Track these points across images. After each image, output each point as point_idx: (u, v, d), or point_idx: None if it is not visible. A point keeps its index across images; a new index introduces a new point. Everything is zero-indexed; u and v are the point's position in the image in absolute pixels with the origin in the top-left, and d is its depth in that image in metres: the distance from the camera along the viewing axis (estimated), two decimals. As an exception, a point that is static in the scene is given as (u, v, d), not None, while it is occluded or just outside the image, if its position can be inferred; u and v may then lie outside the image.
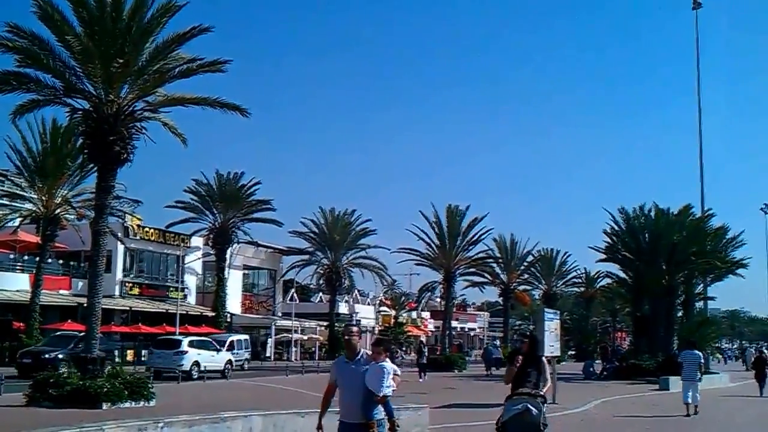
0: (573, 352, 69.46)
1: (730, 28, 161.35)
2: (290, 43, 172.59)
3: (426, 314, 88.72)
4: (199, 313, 51.25)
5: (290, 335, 58.92)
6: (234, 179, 52.97)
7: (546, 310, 26.36)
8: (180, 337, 37.00)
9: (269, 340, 58.78)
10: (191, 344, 35.11)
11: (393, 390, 7.49)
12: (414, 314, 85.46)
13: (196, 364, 33.92)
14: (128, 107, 21.91)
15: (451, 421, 17.78)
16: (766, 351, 43.62)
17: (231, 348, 39.59)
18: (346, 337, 7.63)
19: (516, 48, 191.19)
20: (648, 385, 32.64)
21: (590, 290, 71.72)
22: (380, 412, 7.38)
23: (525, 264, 65.55)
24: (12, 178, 39.57)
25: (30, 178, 37.80)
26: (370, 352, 7.56)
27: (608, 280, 56.48)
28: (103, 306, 23.52)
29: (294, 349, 59.16)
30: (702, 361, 22.47)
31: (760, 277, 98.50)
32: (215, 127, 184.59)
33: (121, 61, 20.71)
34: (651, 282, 41.86)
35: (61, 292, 43.41)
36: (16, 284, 41.13)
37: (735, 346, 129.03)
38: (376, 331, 72.23)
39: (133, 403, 19.67)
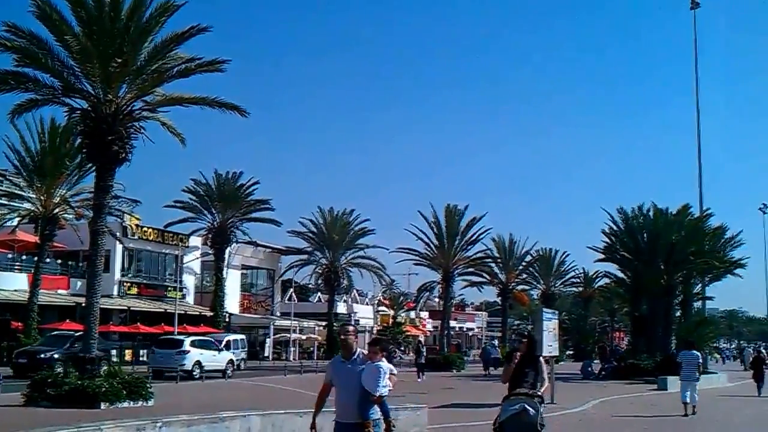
0: (571, 352, 69.51)
1: (729, 28, 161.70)
2: (290, 43, 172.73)
3: (424, 314, 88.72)
4: (197, 313, 51.26)
5: (289, 335, 58.92)
6: (233, 179, 52.96)
7: (544, 309, 26.41)
8: (182, 337, 37.04)
9: (268, 339, 58.80)
10: (193, 344, 35.15)
11: (389, 390, 7.49)
12: (412, 314, 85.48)
13: (198, 363, 33.95)
14: (127, 107, 21.91)
15: (449, 421, 17.79)
16: (764, 351, 43.82)
17: (227, 348, 39.59)
18: (342, 337, 7.63)
19: (516, 48, 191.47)
20: (646, 385, 32.65)
21: (589, 290, 71.77)
22: (376, 412, 7.36)
23: (523, 264, 65.57)
24: (10, 177, 39.53)
25: (28, 178, 37.77)
26: (366, 352, 7.55)
27: (606, 280, 56.68)
28: (102, 306, 23.53)
29: (292, 348, 59.14)
30: (700, 361, 22.49)
31: (758, 277, 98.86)
32: (214, 127, 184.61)
33: (119, 60, 20.70)
34: (649, 282, 41.89)
35: (60, 291, 43.41)
36: (15, 284, 41.12)
37: (733, 346, 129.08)
38: (375, 331, 72.24)
39: (132, 402, 19.66)
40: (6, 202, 40.90)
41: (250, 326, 59.04)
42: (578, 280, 72.76)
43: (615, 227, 44.83)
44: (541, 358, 9.40)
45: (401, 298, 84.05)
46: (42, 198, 37.40)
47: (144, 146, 22.44)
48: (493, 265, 60.25)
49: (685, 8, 52.36)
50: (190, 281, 54.15)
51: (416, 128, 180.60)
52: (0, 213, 39.71)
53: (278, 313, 62.53)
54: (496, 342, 66.23)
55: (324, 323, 59.25)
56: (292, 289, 68.44)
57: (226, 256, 53.27)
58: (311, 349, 62.08)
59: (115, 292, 46.61)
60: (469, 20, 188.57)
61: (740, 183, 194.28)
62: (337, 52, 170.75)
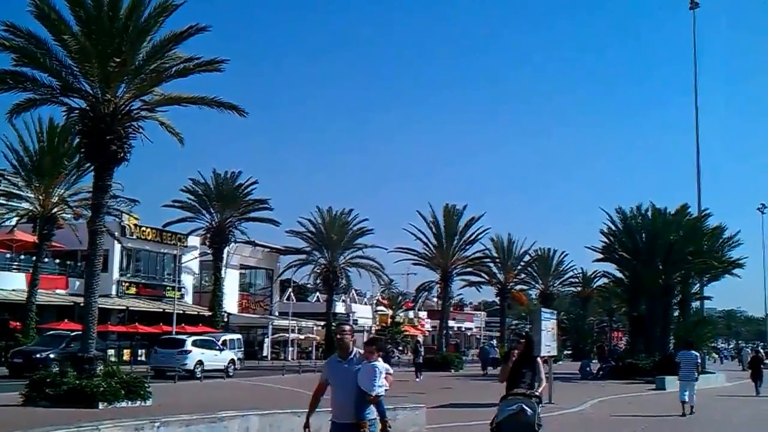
0: (570, 352, 69.58)
1: (730, 28, 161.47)
2: (290, 43, 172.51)
3: (423, 314, 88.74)
4: (196, 313, 51.23)
5: (287, 335, 58.92)
6: (231, 179, 52.95)
7: (543, 309, 26.44)
8: (184, 337, 37.22)
9: (266, 339, 58.79)
10: (195, 344, 35.34)
11: (386, 389, 7.48)
12: (411, 314, 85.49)
13: (200, 363, 34.14)
14: (125, 106, 21.89)
15: (448, 420, 17.80)
16: (762, 351, 43.88)
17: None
18: (338, 336, 7.64)
19: (516, 48, 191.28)
20: (644, 384, 32.68)
21: (587, 290, 71.81)
22: (372, 412, 7.35)
23: (522, 264, 65.59)
24: (9, 177, 39.49)
25: (27, 178, 37.73)
26: (362, 351, 7.56)
27: (605, 280, 56.74)
28: (100, 305, 23.52)
29: (291, 348, 59.16)
30: (699, 361, 22.52)
31: (756, 278, 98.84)
32: (213, 127, 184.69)
33: (118, 60, 20.69)
34: (648, 282, 41.92)
35: (58, 291, 43.38)
36: (13, 283, 41.09)
37: (731, 345, 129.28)
38: (373, 331, 72.25)
39: (130, 402, 19.66)
40: (4, 202, 40.84)
41: (248, 326, 59.03)
42: (577, 280, 72.82)
43: (613, 227, 44.87)
44: (538, 358, 9.41)
45: (400, 297, 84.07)
46: (40, 198, 37.38)
47: (142, 146, 22.44)
48: (491, 264, 60.28)
49: (685, 8, 52.26)
50: (188, 281, 54.12)
51: (416, 128, 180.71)
52: (-2, 213, 39.68)
53: (277, 313, 62.52)
54: (494, 342, 66.32)
55: (322, 323, 59.24)
56: (290, 289, 68.38)
57: (225, 255, 53.27)
58: (310, 348, 62.07)
59: (114, 292, 46.58)
60: (469, 20, 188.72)
61: (740, 183, 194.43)
62: (337, 52, 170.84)
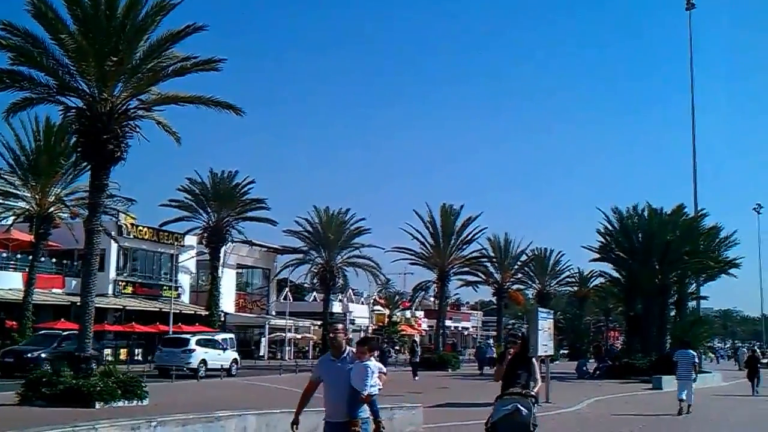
0: (566, 352, 69.63)
1: (731, 25, 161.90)
2: (291, 40, 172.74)
3: (420, 313, 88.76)
4: (192, 312, 51.15)
5: (284, 334, 58.88)
6: (228, 178, 52.89)
7: (540, 309, 26.46)
8: (188, 336, 37.52)
9: (263, 339, 58.75)
10: (199, 342, 35.69)
11: (379, 389, 7.48)
12: (408, 313, 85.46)
13: (204, 362, 34.45)
14: (122, 105, 21.88)
15: (445, 420, 17.82)
16: (758, 350, 43.95)
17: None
18: (332, 335, 7.65)
19: (517, 45, 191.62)
20: (641, 384, 32.74)
21: (583, 289, 71.83)
22: (365, 411, 7.36)
23: (519, 263, 65.56)
24: (5, 176, 39.35)
25: (23, 177, 37.65)
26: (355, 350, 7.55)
27: (602, 280, 56.73)
28: (97, 305, 23.53)
29: (288, 348, 59.15)
30: (696, 360, 22.56)
31: (752, 277, 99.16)
32: (211, 125, 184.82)
33: (114, 59, 20.67)
34: (644, 281, 41.99)
35: (55, 290, 43.28)
36: (9, 283, 40.99)
37: (727, 345, 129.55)
38: (370, 331, 72.26)
39: (127, 402, 19.68)
40: (1, 201, 40.74)
41: (245, 325, 59.02)
42: (573, 280, 72.86)
43: (610, 227, 44.92)
44: (533, 359, 9.41)
45: (397, 297, 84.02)
46: (37, 197, 37.31)
47: (139, 145, 22.47)
48: (488, 264, 60.30)
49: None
50: (185, 280, 54.04)
51: (417, 125, 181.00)
52: (-5, 212, 39.59)
53: (274, 313, 62.45)
54: (491, 341, 66.35)
55: (319, 322, 59.20)
56: (287, 289, 68.31)
57: (222, 255, 53.21)
58: (306, 348, 62.10)
59: (110, 291, 46.50)
60: (471, 17, 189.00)
61: (740, 180, 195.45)
62: (339, 49, 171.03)
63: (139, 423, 10.10)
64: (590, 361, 46.19)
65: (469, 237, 53.01)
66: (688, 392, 20.66)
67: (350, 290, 74.36)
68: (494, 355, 45.09)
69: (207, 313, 51.19)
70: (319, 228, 57.66)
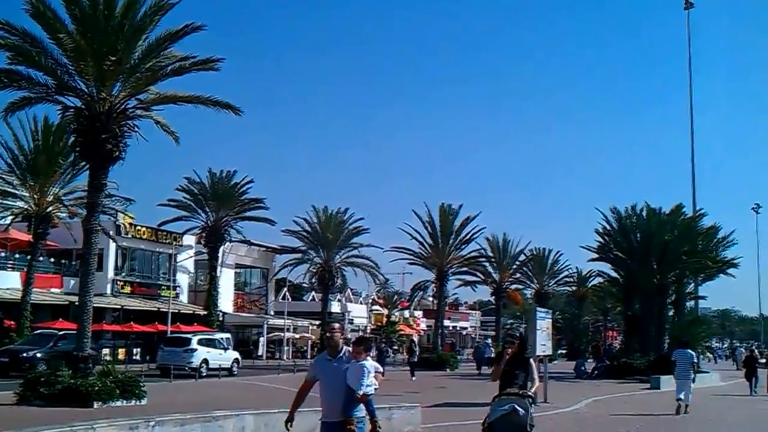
0: (565, 351, 69.68)
1: (731, 24, 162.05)
2: (291, 40, 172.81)
3: (418, 313, 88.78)
4: (191, 312, 51.15)
5: (282, 334, 58.84)
6: (227, 178, 52.83)
7: (538, 309, 26.46)
8: (190, 335, 37.69)
9: (261, 338, 58.73)
10: (200, 342, 35.93)
11: (375, 388, 7.48)
12: (406, 313, 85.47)
13: (205, 361, 34.67)
14: (120, 105, 21.87)
15: (443, 419, 17.83)
16: (756, 350, 43.99)
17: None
18: (328, 335, 7.64)
19: (517, 45, 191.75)
20: (639, 384, 32.76)
21: (582, 289, 71.88)
22: (361, 411, 7.36)
23: (517, 263, 65.61)
24: (3, 176, 39.32)
25: (21, 176, 37.61)
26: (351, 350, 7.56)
27: (600, 280, 56.75)
28: (95, 304, 23.47)
29: (286, 347, 59.10)
30: (695, 360, 22.57)
31: (750, 277, 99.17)
32: (210, 125, 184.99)
33: (113, 58, 20.67)
34: (642, 281, 42.01)
35: (53, 290, 43.23)
36: (7, 282, 40.94)
37: (725, 345, 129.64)
38: (369, 330, 72.24)
39: (125, 401, 19.68)
40: (-1, 200, 40.77)
41: (243, 325, 58.99)
42: (572, 280, 72.92)
43: (608, 227, 44.95)
44: (531, 359, 9.40)
45: (395, 297, 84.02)
46: (35, 196, 37.28)
47: (138, 144, 22.47)
48: (486, 264, 60.34)
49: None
50: (183, 280, 54.04)
51: (417, 124, 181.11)
52: (-7, 211, 39.55)
53: (272, 312, 62.43)
54: (489, 341, 66.37)
55: (318, 322, 59.18)
56: (286, 288, 68.28)
57: (220, 254, 53.16)
58: (305, 348, 62.06)
59: (109, 291, 46.47)
60: (471, 16, 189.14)
61: (739, 179, 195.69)
62: (338, 49, 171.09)
63: (137, 423, 10.09)
64: (588, 360, 46.23)
65: (468, 237, 53.10)
66: (686, 392, 20.66)
67: (349, 290, 74.35)
68: (492, 355, 45.13)
69: (205, 312, 51.17)
70: (317, 228, 57.63)
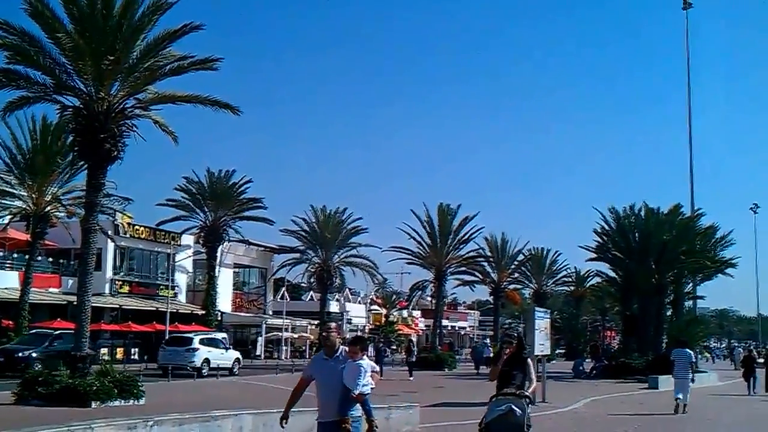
0: (563, 351, 69.67)
1: (730, 23, 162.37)
2: (290, 39, 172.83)
3: (417, 313, 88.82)
4: (189, 312, 51.13)
5: (281, 334, 58.85)
6: (225, 177, 52.78)
7: (536, 308, 26.49)
8: (191, 335, 37.72)
9: (259, 338, 58.72)
10: (202, 342, 35.98)
11: (372, 388, 7.48)
12: (405, 313, 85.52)
13: (207, 361, 34.73)
14: (119, 105, 21.85)
15: (441, 419, 17.83)
16: (754, 350, 44.04)
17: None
18: (324, 334, 7.67)
19: (516, 44, 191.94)
20: (637, 384, 32.77)
21: (580, 289, 71.97)
22: (357, 410, 7.36)
23: (516, 263, 65.68)
24: (2, 175, 39.30)
25: (20, 176, 37.57)
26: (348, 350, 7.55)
27: (598, 279, 56.81)
28: (93, 304, 23.47)
29: (284, 347, 59.11)
30: (693, 360, 22.58)
31: (749, 277, 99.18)
32: (209, 124, 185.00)
33: (111, 58, 20.65)
34: (641, 281, 42.02)
35: (51, 290, 43.22)
36: (6, 282, 40.93)
37: (723, 345, 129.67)
38: (367, 330, 72.25)
39: (123, 401, 19.65)
40: (-3, 200, 40.71)
41: (242, 325, 58.97)
42: (570, 279, 72.98)
43: (606, 227, 44.97)
44: (529, 359, 9.41)
45: (394, 296, 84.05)
46: (33, 196, 37.24)
47: (136, 144, 22.44)
48: (485, 264, 60.38)
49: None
50: (182, 280, 54.04)
51: (417, 124, 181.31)
52: (-9, 211, 39.50)
53: (270, 312, 62.43)
54: (488, 341, 66.38)
55: (316, 322, 59.17)
56: (284, 288, 68.29)
57: (219, 254, 53.12)
58: (303, 347, 62.06)
59: (107, 291, 46.46)
60: (470, 16, 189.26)
61: (739, 178, 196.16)
62: (338, 48, 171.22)
63: (135, 422, 10.08)
64: (587, 360, 46.25)
65: (467, 236, 53.12)
66: (684, 392, 20.68)
67: (347, 290, 74.37)
68: (491, 355, 45.16)
69: (204, 312, 51.15)
70: (316, 227, 57.63)
